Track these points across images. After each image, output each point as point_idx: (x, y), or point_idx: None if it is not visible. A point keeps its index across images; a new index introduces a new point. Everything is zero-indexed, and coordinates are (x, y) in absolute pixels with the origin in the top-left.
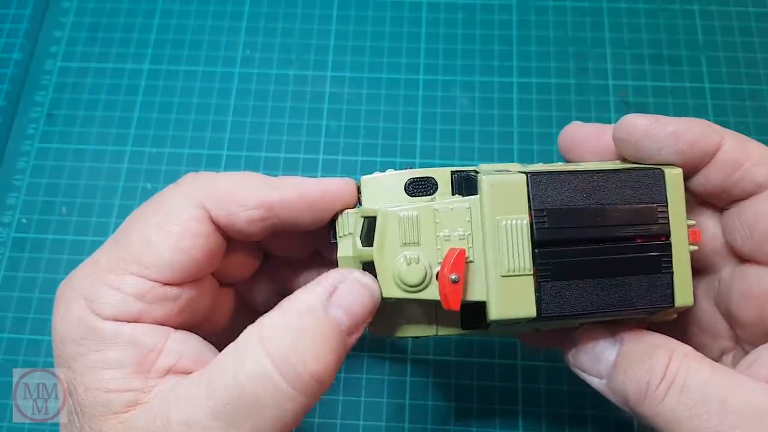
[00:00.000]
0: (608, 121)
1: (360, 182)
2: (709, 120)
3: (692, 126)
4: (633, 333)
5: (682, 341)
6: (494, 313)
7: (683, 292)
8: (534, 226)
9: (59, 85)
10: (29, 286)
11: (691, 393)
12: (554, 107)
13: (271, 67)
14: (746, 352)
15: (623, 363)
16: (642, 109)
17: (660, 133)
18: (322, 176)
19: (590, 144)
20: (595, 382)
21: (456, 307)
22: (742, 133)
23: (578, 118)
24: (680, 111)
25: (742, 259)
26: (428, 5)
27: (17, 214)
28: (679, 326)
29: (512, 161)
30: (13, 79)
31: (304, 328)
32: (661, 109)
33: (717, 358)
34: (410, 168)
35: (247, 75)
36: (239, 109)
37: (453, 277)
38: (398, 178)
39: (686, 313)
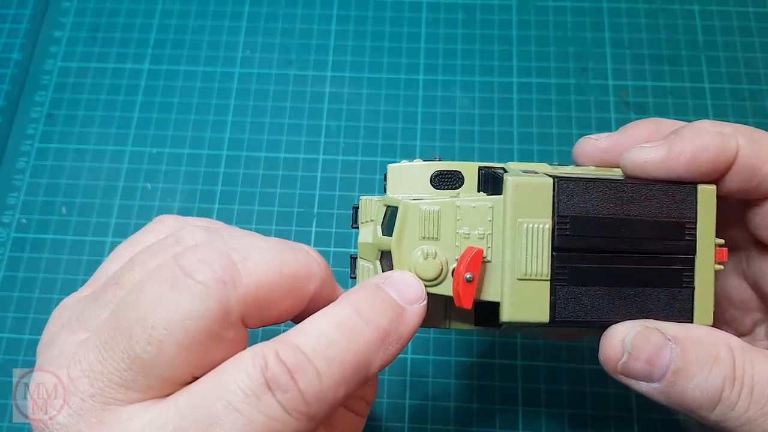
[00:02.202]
0: (608, 121)
1: (387, 170)
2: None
3: (708, 145)
4: (681, 330)
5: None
6: (506, 315)
7: (703, 311)
8: (555, 233)
9: (59, 85)
10: (29, 286)
11: (762, 390)
12: (554, 107)
13: (271, 67)
14: None
15: (686, 368)
16: (642, 109)
17: (679, 165)
18: (321, 176)
19: (609, 159)
20: (644, 387)
21: (467, 305)
22: None
23: (578, 118)
24: (680, 111)
25: None
26: (428, 5)
27: (17, 214)
28: None
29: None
30: (13, 79)
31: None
32: (661, 109)
33: (749, 331)
34: (439, 157)
35: (247, 75)
36: (239, 109)
37: (467, 276)
38: (425, 169)
39: (716, 289)
